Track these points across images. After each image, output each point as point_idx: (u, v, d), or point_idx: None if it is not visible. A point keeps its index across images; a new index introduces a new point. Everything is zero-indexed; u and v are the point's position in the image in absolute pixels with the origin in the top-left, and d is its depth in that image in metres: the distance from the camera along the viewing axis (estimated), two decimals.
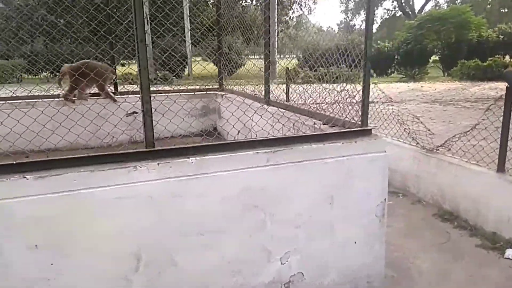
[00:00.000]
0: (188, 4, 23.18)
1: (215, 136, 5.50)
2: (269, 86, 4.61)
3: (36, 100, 5.21)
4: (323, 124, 3.29)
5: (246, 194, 2.54)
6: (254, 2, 30.79)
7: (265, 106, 4.50)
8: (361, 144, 2.81)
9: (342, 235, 2.90)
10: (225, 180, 2.47)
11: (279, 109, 4.22)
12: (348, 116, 3.11)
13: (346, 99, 7.30)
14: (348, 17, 54.90)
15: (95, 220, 2.22)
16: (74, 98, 5.77)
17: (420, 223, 4.57)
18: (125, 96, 5.80)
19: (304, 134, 2.68)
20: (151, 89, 2.39)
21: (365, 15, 2.89)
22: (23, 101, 5.35)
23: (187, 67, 23.71)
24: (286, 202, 2.67)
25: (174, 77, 23.99)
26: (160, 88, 6.65)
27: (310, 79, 20.67)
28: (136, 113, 5.80)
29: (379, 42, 25.71)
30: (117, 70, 6.19)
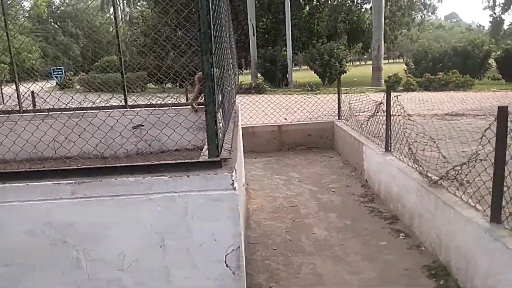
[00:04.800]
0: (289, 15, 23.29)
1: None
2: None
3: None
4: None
5: (52, 228, 2.34)
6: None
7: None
8: (196, 179, 2.33)
9: (183, 285, 2.44)
10: (25, 212, 2.31)
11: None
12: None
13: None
14: (494, 13, 47.93)
15: None
16: (196, 107, 5.80)
17: (398, 276, 3.61)
18: (136, 109, 6.00)
19: (117, 165, 2.34)
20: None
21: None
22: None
23: (287, 75, 23.72)
24: (104, 241, 2.37)
25: (280, 85, 24.31)
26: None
27: (412, 86, 19.01)
28: (142, 125, 5.96)
29: (508, 42, 21.53)
30: None
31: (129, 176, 2.33)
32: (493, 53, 22.03)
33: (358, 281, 3.56)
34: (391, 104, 5.23)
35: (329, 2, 29.78)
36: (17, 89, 5.86)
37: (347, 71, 24.49)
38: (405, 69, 23.34)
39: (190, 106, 5.90)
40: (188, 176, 2.32)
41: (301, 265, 3.85)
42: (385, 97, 5.29)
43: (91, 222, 2.35)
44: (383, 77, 21.77)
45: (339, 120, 8.29)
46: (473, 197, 3.43)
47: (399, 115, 5.01)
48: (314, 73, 25.00)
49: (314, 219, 4.92)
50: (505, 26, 47.36)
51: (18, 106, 6.28)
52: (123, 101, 6.40)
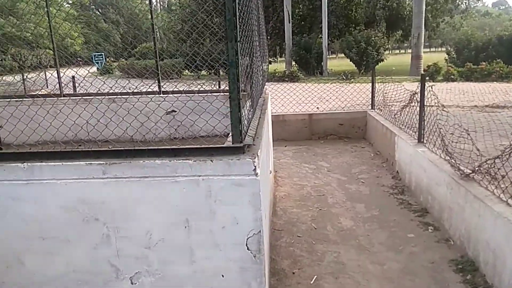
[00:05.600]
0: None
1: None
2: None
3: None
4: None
5: (84, 206, 2.49)
6: None
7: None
8: (219, 164, 2.39)
9: (205, 265, 2.54)
10: (60, 189, 2.47)
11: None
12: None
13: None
14: None
15: None
16: None
17: (423, 268, 3.57)
18: (165, 95, 6.16)
19: (145, 148, 2.44)
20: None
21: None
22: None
23: (322, 63, 23.34)
24: (132, 220, 2.50)
25: (314, 74, 24.02)
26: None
27: (452, 76, 18.36)
28: (175, 111, 6.11)
29: None
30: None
31: (156, 159, 2.43)
32: None
33: (381, 272, 3.55)
34: (426, 94, 5.09)
35: None
36: (58, 73, 6.16)
37: (385, 60, 23.81)
38: (446, 58, 22.42)
39: (224, 93, 6.07)
40: (211, 161, 2.40)
41: (324, 253, 3.88)
42: (419, 87, 5.15)
43: (120, 201, 2.47)
44: (422, 66, 21.02)
45: (372, 110, 8.14)
46: (505, 192, 3.32)
47: (433, 105, 4.87)
48: (350, 61, 24.51)
49: (340, 209, 4.91)
50: None
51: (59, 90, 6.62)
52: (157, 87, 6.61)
